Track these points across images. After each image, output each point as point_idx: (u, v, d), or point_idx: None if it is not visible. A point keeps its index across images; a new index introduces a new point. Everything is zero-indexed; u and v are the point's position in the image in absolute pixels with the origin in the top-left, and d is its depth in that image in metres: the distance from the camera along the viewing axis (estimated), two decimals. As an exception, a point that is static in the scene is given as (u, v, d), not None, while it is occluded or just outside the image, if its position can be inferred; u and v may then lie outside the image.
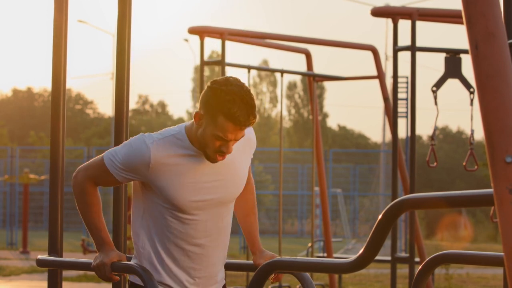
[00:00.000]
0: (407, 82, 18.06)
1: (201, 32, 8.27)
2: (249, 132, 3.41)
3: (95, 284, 13.50)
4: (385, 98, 9.36)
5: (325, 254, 10.39)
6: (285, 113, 55.65)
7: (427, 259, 3.45)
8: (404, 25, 7.07)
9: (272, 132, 53.67)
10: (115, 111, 4.02)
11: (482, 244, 26.21)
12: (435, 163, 6.51)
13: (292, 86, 55.58)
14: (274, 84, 56.34)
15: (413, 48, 6.82)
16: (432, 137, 6.56)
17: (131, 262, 3.32)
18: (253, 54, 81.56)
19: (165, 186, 3.23)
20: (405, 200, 2.27)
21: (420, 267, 3.45)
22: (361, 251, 2.50)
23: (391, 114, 7.88)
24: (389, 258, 7.36)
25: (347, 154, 38.20)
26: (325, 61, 74.06)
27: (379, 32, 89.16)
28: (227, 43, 8.33)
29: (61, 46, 3.85)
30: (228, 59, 8.33)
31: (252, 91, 3.43)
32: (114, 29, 7.58)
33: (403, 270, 13.79)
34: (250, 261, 3.56)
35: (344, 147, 48.91)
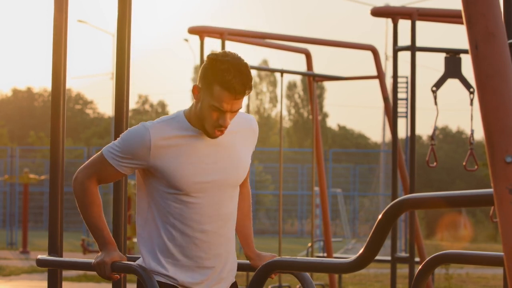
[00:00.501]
0: (407, 82, 18.06)
1: (201, 32, 8.27)
2: (252, 123, 3.44)
3: (95, 284, 13.49)
4: (385, 98, 9.36)
5: (325, 254, 10.39)
6: (285, 113, 55.69)
7: (427, 259, 3.45)
8: (404, 25, 7.08)
9: (272, 132, 53.68)
10: (115, 111, 4.02)
11: (482, 244, 26.21)
12: (435, 163, 6.51)
13: (292, 86, 55.59)
14: (274, 84, 56.35)
15: (413, 48, 6.82)
16: (432, 137, 6.57)
17: (132, 262, 3.32)
18: (253, 54, 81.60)
19: (167, 168, 3.24)
20: (405, 200, 2.27)
21: (420, 267, 3.45)
22: (361, 251, 2.50)
23: (391, 114, 7.88)
24: (389, 258, 7.37)
25: (347, 154, 38.20)
26: (325, 61, 74.09)
27: (379, 32, 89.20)
28: (227, 43, 8.33)
29: (61, 46, 3.85)
30: (228, 59, 8.32)
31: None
32: (114, 29, 7.57)
33: (403, 270, 13.79)
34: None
35: (344, 147, 48.92)
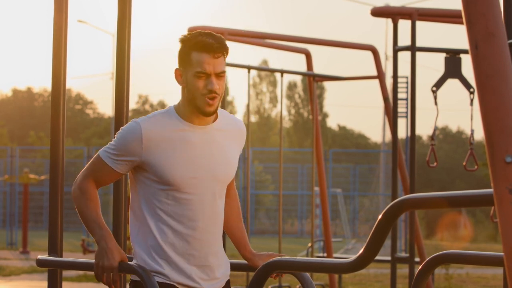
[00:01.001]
0: (407, 82, 18.06)
1: (201, 32, 8.26)
2: (240, 125, 3.48)
3: (95, 284, 13.50)
4: (385, 98, 9.36)
5: (325, 254, 10.39)
6: (285, 113, 55.70)
7: (427, 259, 3.45)
8: (404, 25, 7.08)
9: (272, 132, 53.69)
10: (115, 111, 4.02)
11: (482, 244, 26.21)
12: (435, 163, 6.51)
13: (292, 86, 55.59)
14: (274, 84, 56.35)
15: (413, 48, 6.82)
16: (432, 137, 6.57)
17: (131, 263, 3.31)
18: (253, 54, 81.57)
19: (158, 162, 3.26)
20: (405, 200, 2.27)
21: (420, 267, 3.45)
22: (361, 251, 2.50)
23: (391, 114, 7.88)
24: (389, 258, 7.37)
25: (347, 154, 38.20)
26: (325, 61, 74.10)
27: (379, 32, 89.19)
28: (227, 43, 8.33)
29: (61, 46, 3.85)
30: (228, 59, 8.31)
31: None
32: (114, 29, 7.57)
33: (403, 270, 13.79)
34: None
35: (344, 147, 48.92)
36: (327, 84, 50.83)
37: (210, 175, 3.32)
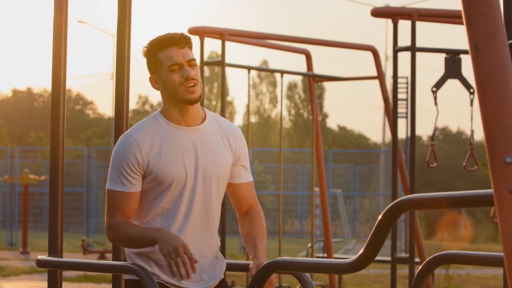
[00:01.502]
0: (407, 83, 18.07)
1: (201, 32, 8.27)
2: (232, 127, 3.47)
3: (95, 285, 13.50)
4: (385, 99, 9.35)
5: (325, 255, 10.39)
6: (285, 113, 55.69)
7: (427, 260, 3.45)
8: (404, 25, 7.08)
9: (272, 132, 53.69)
10: (115, 111, 4.02)
11: (482, 244, 26.21)
12: (435, 164, 6.51)
13: (292, 87, 55.58)
14: (274, 84, 56.33)
15: (413, 49, 6.82)
16: (432, 138, 6.56)
17: (131, 263, 3.32)
18: (253, 55, 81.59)
19: (158, 167, 3.27)
20: (405, 200, 2.27)
21: (420, 267, 3.45)
22: (361, 251, 2.50)
23: (391, 114, 7.88)
24: (389, 258, 7.37)
25: (347, 154, 38.19)
26: (325, 61, 74.10)
27: (379, 33, 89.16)
28: (227, 43, 8.33)
29: (61, 46, 3.85)
30: (228, 60, 8.33)
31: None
32: (114, 29, 7.57)
33: (403, 271, 13.79)
34: (250, 261, 3.54)
35: (344, 148, 48.91)
36: (327, 84, 50.85)
37: (200, 174, 3.32)
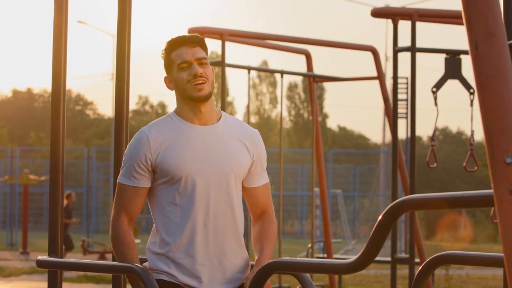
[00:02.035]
0: (407, 83, 18.07)
1: (201, 33, 8.26)
2: (249, 130, 3.48)
3: (95, 285, 13.50)
4: (385, 99, 9.35)
5: (325, 255, 10.38)
6: (285, 113, 55.70)
7: (427, 260, 3.45)
8: (404, 25, 7.08)
9: (272, 132, 53.66)
10: (115, 111, 4.02)
11: (482, 245, 26.21)
12: (435, 164, 6.50)
13: (292, 87, 55.59)
14: (274, 85, 56.34)
15: (413, 49, 6.82)
16: (432, 138, 6.56)
17: (131, 264, 3.32)
18: (253, 55, 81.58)
19: (164, 160, 3.29)
20: (405, 200, 2.26)
21: (420, 267, 3.45)
22: (361, 251, 2.50)
23: (391, 114, 7.88)
24: (389, 258, 7.37)
25: (347, 154, 38.21)
26: (325, 61, 74.11)
27: (379, 33, 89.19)
28: (227, 43, 8.33)
29: (61, 47, 3.84)
30: (228, 60, 8.33)
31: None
32: (114, 29, 7.57)
33: (403, 271, 13.79)
34: (252, 261, 3.54)
35: (344, 148, 48.93)
36: (327, 84, 50.85)
37: (215, 170, 3.32)
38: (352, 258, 2.55)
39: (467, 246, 24.93)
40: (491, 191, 1.92)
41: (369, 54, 9.61)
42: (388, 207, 2.32)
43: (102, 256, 18.14)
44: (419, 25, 6.99)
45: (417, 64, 6.87)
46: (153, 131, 3.33)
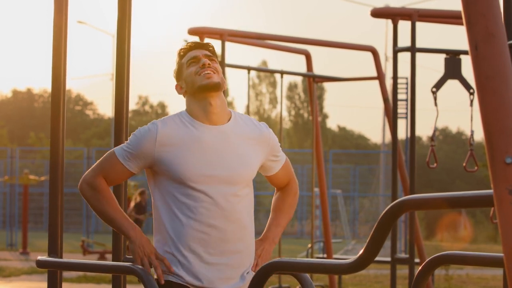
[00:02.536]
0: (407, 83, 18.07)
1: (201, 33, 8.26)
2: (261, 128, 3.48)
3: (95, 285, 13.50)
4: (385, 99, 9.35)
5: (325, 255, 10.39)
6: (285, 114, 55.70)
7: (427, 260, 3.45)
8: (404, 26, 7.08)
9: (272, 133, 53.56)
10: (115, 112, 4.02)
11: (482, 245, 26.21)
12: (435, 164, 6.50)
13: (292, 87, 55.58)
14: (273, 85, 56.32)
15: (413, 49, 6.82)
16: (432, 138, 6.56)
17: (130, 264, 3.32)
18: (253, 55, 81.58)
19: (172, 161, 3.30)
20: (405, 201, 2.26)
21: (420, 268, 3.45)
22: (361, 252, 2.49)
23: (391, 115, 7.88)
24: (389, 259, 7.36)
25: (347, 154, 38.20)
26: (325, 62, 74.11)
27: (379, 33, 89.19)
28: (227, 43, 8.33)
29: (61, 47, 3.84)
30: (227, 60, 8.33)
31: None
32: (114, 29, 7.57)
33: (403, 271, 13.79)
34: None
35: (344, 148, 48.92)
36: (327, 85, 50.85)
37: (224, 175, 3.32)
38: (352, 258, 2.55)
39: (467, 246, 24.92)
40: (491, 191, 1.92)
41: (369, 54, 9.61)
42: (388, 207, 2.32)
43: (102, 256, 18.14)
44: (419, 25, 6.99)
45: (417, 64, 6.87)
46: (165, 126, 3.33)
